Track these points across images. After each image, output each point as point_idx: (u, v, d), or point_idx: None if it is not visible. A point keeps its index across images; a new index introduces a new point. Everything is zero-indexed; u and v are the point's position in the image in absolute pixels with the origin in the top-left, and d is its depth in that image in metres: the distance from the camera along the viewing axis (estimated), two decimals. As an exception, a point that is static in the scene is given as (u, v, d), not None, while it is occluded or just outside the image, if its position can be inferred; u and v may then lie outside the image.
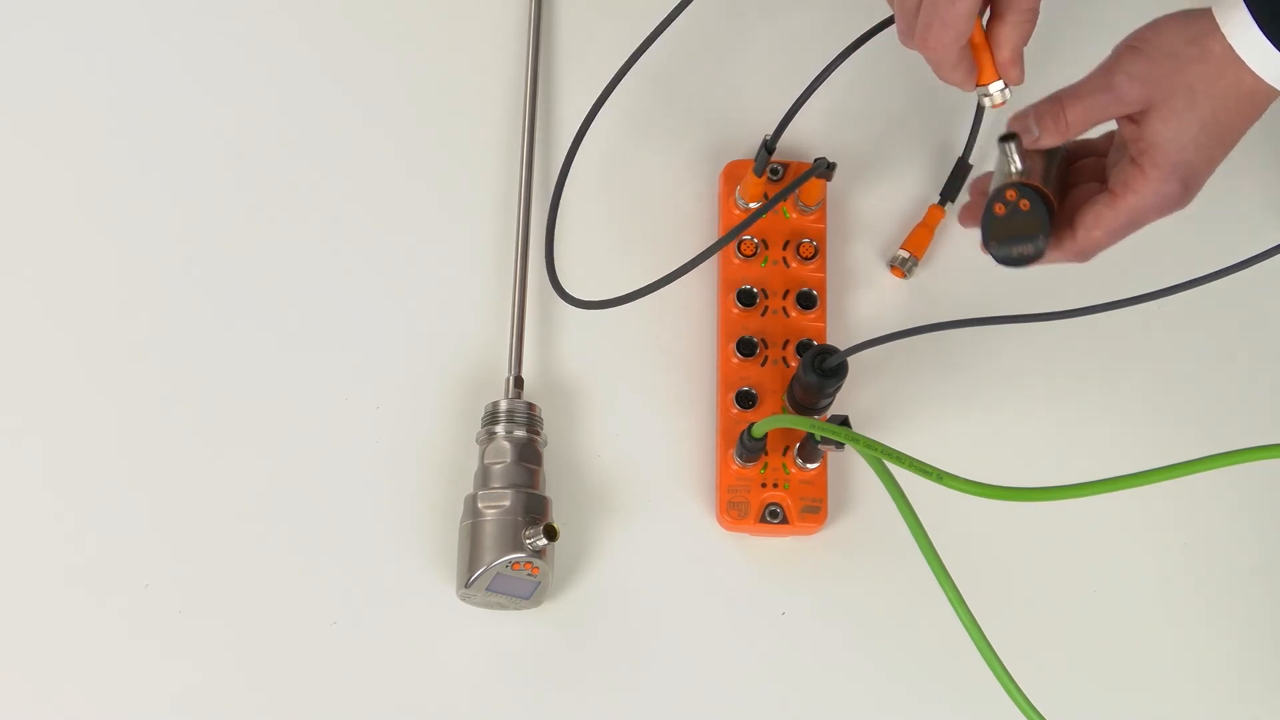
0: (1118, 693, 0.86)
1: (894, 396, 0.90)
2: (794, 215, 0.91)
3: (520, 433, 0.83)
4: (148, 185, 0.91)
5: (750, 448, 0.84)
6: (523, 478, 0.82)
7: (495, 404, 0.84)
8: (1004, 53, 0.75)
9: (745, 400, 0.88)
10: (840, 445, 0.79)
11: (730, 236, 0.85)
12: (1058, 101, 0.74)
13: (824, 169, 0.86)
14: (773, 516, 0.86)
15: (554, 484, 0.87)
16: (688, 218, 0.92)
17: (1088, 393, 0.92)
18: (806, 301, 0.89)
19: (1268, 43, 0.70)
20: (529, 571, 0.80)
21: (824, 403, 0.85)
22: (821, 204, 0.91)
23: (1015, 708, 0.72)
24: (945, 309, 0.91)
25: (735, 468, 0.86)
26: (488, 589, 0.81)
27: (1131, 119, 0.74)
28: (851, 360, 0.83)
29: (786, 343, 0.89)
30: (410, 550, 0.85)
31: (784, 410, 0.87)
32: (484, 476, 0.83)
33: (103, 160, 0.91)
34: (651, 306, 0.90)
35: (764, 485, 0.86)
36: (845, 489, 0.88)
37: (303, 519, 0.85)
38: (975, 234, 0.93)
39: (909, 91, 0.97)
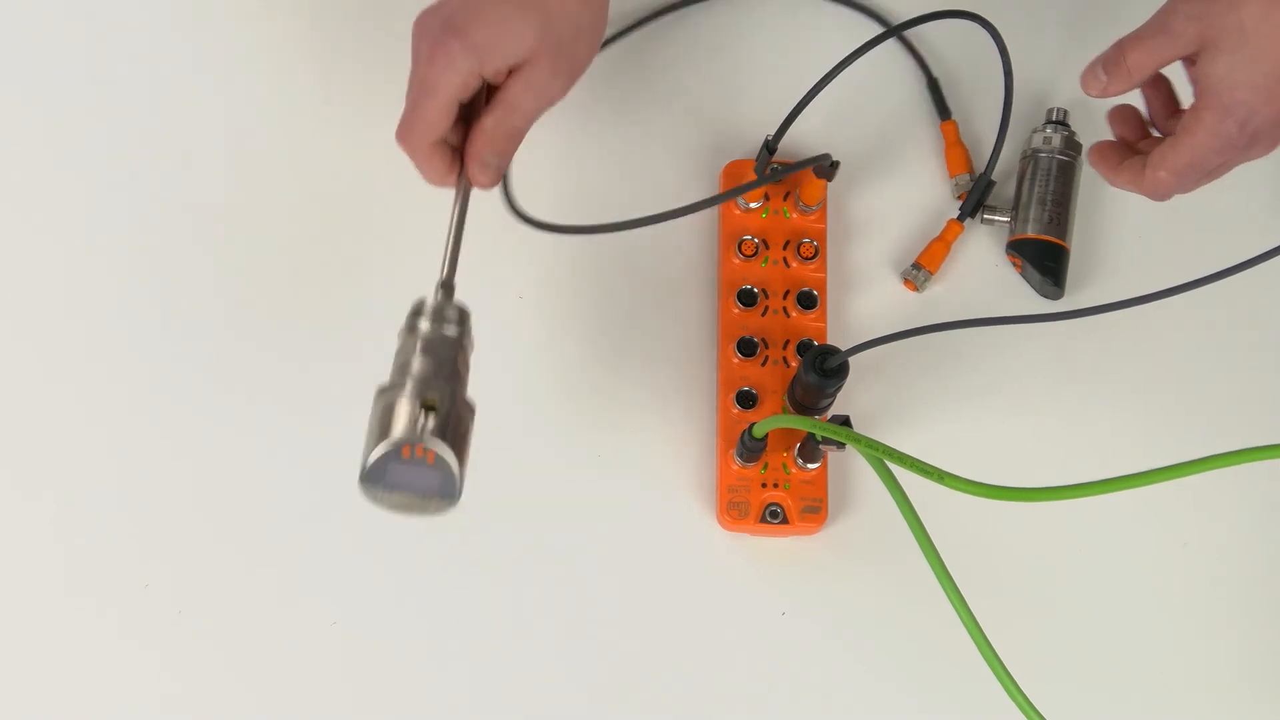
0: (1118, 693, 0.86)
1: (894, 396, 0.90)
2: (794, 215, 0.91)
3: (430, 327, 0.75)
4: (147, 186, 0.91)
5: (751, 448, 0.84)
6: (423, 367, 0.73)
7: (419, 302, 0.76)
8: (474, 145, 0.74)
9: (745, 400, 0.88)
10: (841, 445, 0.79)
11: (726, 196, 0.85)
12: (1119, 48, 0.75)
13: (826, 166, 0.86)
14: (773, 516, 0.86)
15: (555, 483, 0.86)
16: (687, 217, 0.92)
17: (1088, 393, 0.92)
18: (807, 301, 0.89)
19: None
20: (425, 460, 0.72)
21: (825, 403, 0.85)
22: (822, 204, 0.91)
23: (1015, 708, 0.72)
24: (945, 309, 0.91)
25: (735, 468, 0.86)
26: (386, 486, 0.73)
27: (1191, 61, 0.75)
28: (852, 360, 0.83)
29: (787, 343, 0.89)
30: (410, 550, 0.85)
31: (784, 410, 0.87)
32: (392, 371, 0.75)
33: (102, 161, 0.91)
34: (652, 306, 0.90)
35: (764, 485, 0.86)
36: (846, 489, 0.88)
37: (303, 519, 0.85)
38: (982, 242, 0.94)
39: (909, 92, 0.97)
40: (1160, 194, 0.78)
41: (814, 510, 0.86)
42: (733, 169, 0.92)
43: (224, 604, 0.83)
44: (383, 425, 0.71)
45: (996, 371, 0.91)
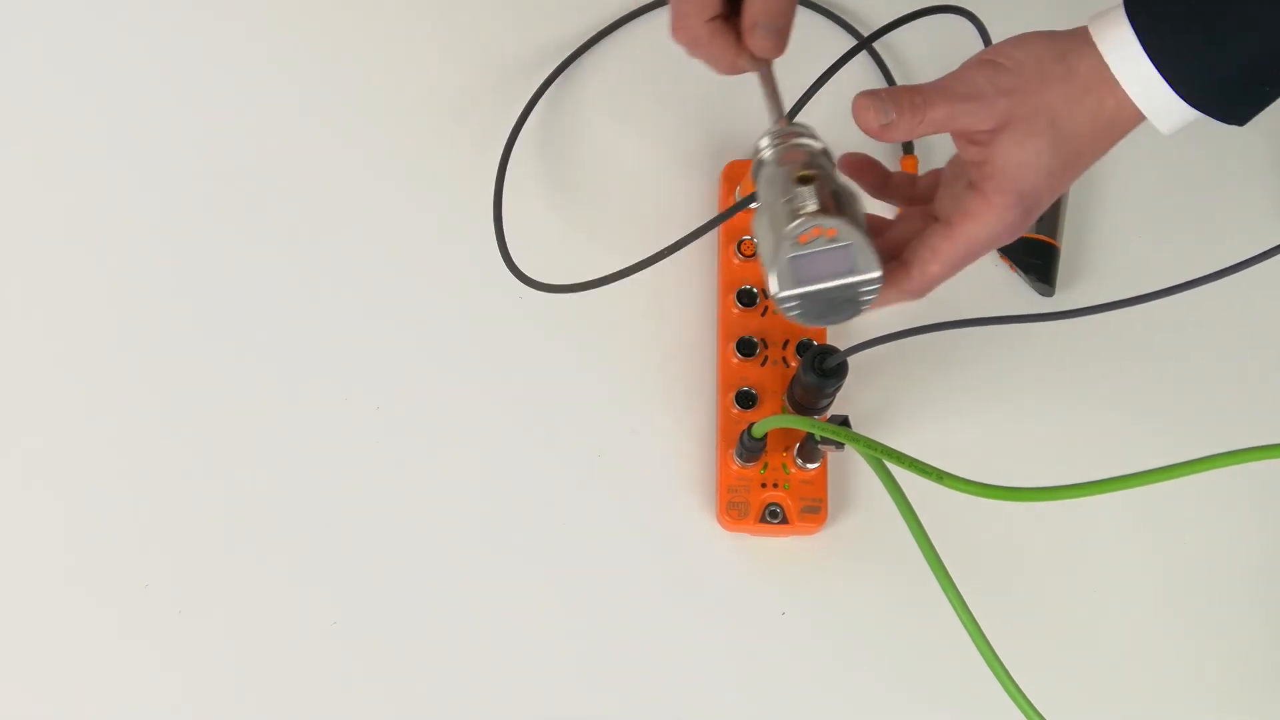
0: (1118, 693, 0.86)
1: (894, 396, 0.90)
2: (794, 215, 0.91)
3: (780, 145, 0.71)
4: (146, 186, 0.91)
5: (750, 448, 0.84)
6: (779, 175, 0.69)
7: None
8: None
9: (745, 400, 0.88)
10: (840, 445, 0.79)
11: (730, 214, 0.85)
12: (920, 94, 0.68)
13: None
14: (773, 516, 0.86)
15: (555, 483, 0.87)
16: (688, 217, 0.92)
17: (1087, 392, 0.92)
18: (806, 301, 0.89)
19: (1148, 62, 0.65)
20: (825, 237, 0.66)
21: (824, 403, 0.85)
22: (821, 204, 0.91)
23: (1015, 708, 0.72)
24: (946, 309, 0.91)
25: (735, 468, 0.86)
26: (799, 286, 0.67)
27: (975, 140, 0.69)
28: (851, 360, 0.83)
29: (786, 343, 0.89)
30: (410, 550, 0.85)
31: (784, 410, 0.87)
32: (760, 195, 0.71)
33: (100, 162, 0.91)
34: (652, 306, 0.90)
35: (764, 485, 0.86)
36: (845, 489, 0.88)
37: (302, 518, 0.85)
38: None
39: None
40: (926, 291, 0.71)
41: (813, 510, 0.86)
42: (732, 169, 0.92)
43: (224, 604, 0.83)
44: (774, 229, 0.67)
45: (996, 371, 0.91)
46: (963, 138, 0.69)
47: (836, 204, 0.67)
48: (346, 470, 0.86)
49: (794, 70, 0.88)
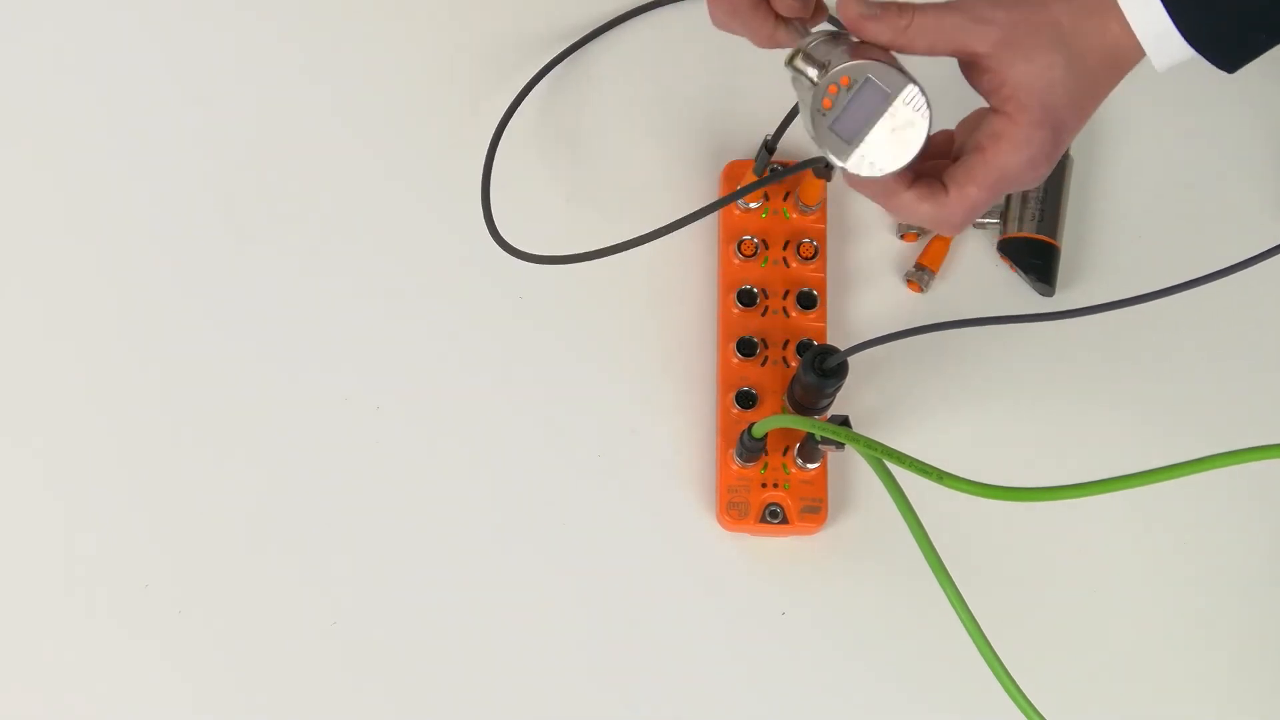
0: (1118, 693, 0.86)
1: (894, 396, 0.90)
2: (794, 215, 0.91)
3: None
4: (146, 186, 0.91)
5: (750, 448, 0.84)
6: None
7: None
8: None
9: (745, 400, 0.88)
10: (840, 445, 0.79)
11: (728, 200, 0.85)
12: (909, 5, 0.67)
13: (823, 168, 0.86)
14: (773, 516, 0.86)
15: (555, 483, 0.87)
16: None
17: (1088, 392, 0.92)
18: (806, 301, 0.89)
19: (1162, 9, 0.65)
20: (843, 89, 0.67)
21: (824, 403, 0.85)
22: (821, 204, 0.91)
23: (1015, 708, 0.72)
24: (946, 309, 0.91)
25: (735, 468, 0.86)
26: (852, 144, 0.67)
27: (983, 65, 0.67)
28: (851, 360, 0.83)
29: (786, 343, 0.89)
30: (410, 550, 0.85)
31: (784, 410, 0.87)
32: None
33: (99, 165, 0.91)
34: (652, 306, 0.90)
35: (764, 485, 0.86)
36: (845, 489, 0.88)
37: (302, 518, 0.85)
38: (980, 241, 0.94)
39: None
40: (968, 218, 0.70)
41: (814, 510, 0.86)
42: (732, 169, 0.92)
43: (224, 604, 0.83)
44: (807, 119, 0.67)
45: (996, 371, 0.91)
46: (968, 65, 0.68)
47: (833, 54, 0.67)
48: (346, 470, 0.86)
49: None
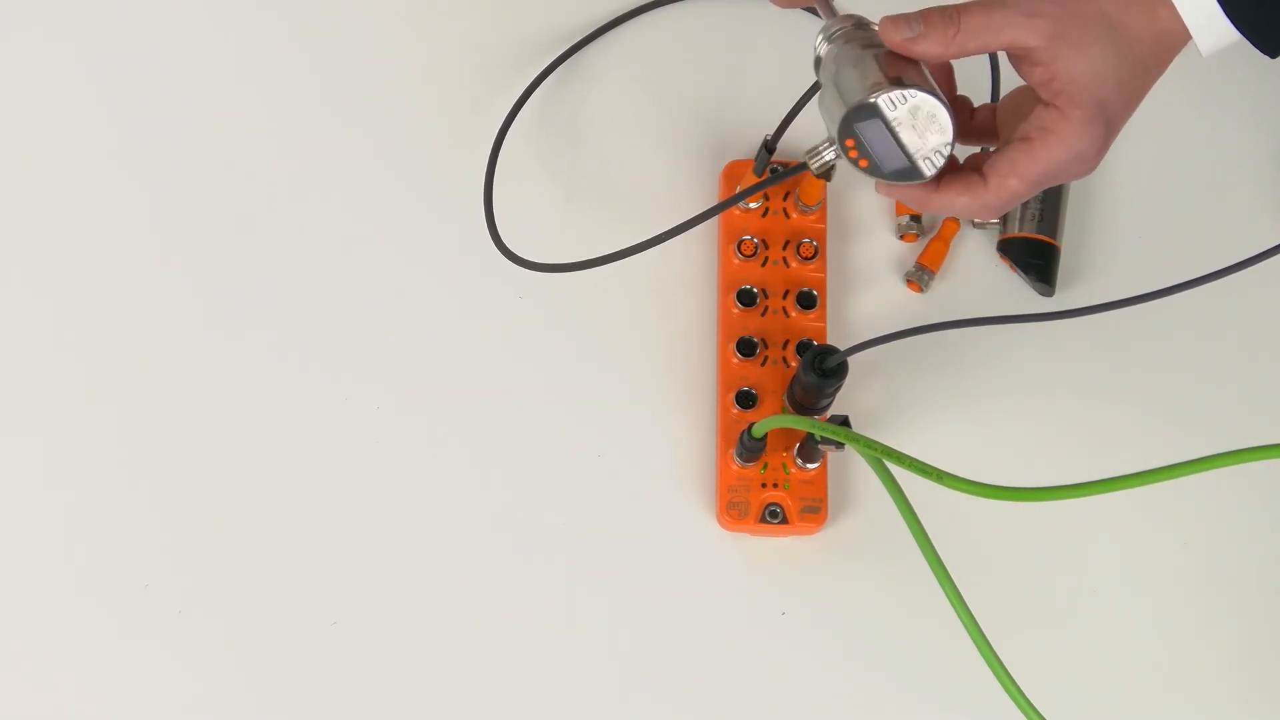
0: (1117, 693, 0.86)
1: (894, 396, 0.90)
2: (794, 215, 0.91)
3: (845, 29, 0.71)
4: (147, 186, 0.91)
5: (750, 448, 0.84)
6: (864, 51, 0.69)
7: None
8: None
9: (745, 400, 0.88)
10: (840, 445, 0.79)
11: (728, 204, 0.86)
12: (953, 7, 0.66)
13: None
14: (773, 516, 0.86)
15: (555, 483, 0.87)
16: (687, 217, 0.92)
17: (1088, 392, 0.92)
18: (806, 301, 0.89)
19: None
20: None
21: (824, 403, 0.85)
22: (821, 204, 0.91)
23: (1015, 708, 0.72)
24: (946, 309, 0.91)
25: (735, 468, 0.86)
26: (888, 175, 0.69)
27: (1034, 59, 0.67)
28: (851, 360, 0.83)
29: (786, 343, 0.89)
30: (410, 550, 0.85)
31: (784, 410, 0.87)
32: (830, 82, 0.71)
33: (101, 164, 0.91)
34: (652, 306, 0.90)
35: (764, 485, 0.86)
36: (845, 489, 0.88)
37: (302, 518, 0.85)
38: (980, 241, 0.94)
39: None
40: (1001, 209, 0.70)
41: (813, 510, 0.86)
42: (732, 169, 0.92)
43: (224, 604, 0.83)
44: (844, 101, 0.68)
45: (996, 371, 0.91)
46: (1019, 58, 0.68)
47: (900, 69, 0.67)
48: (347, 470, 0.86)
49: (791, 72, 0.88)
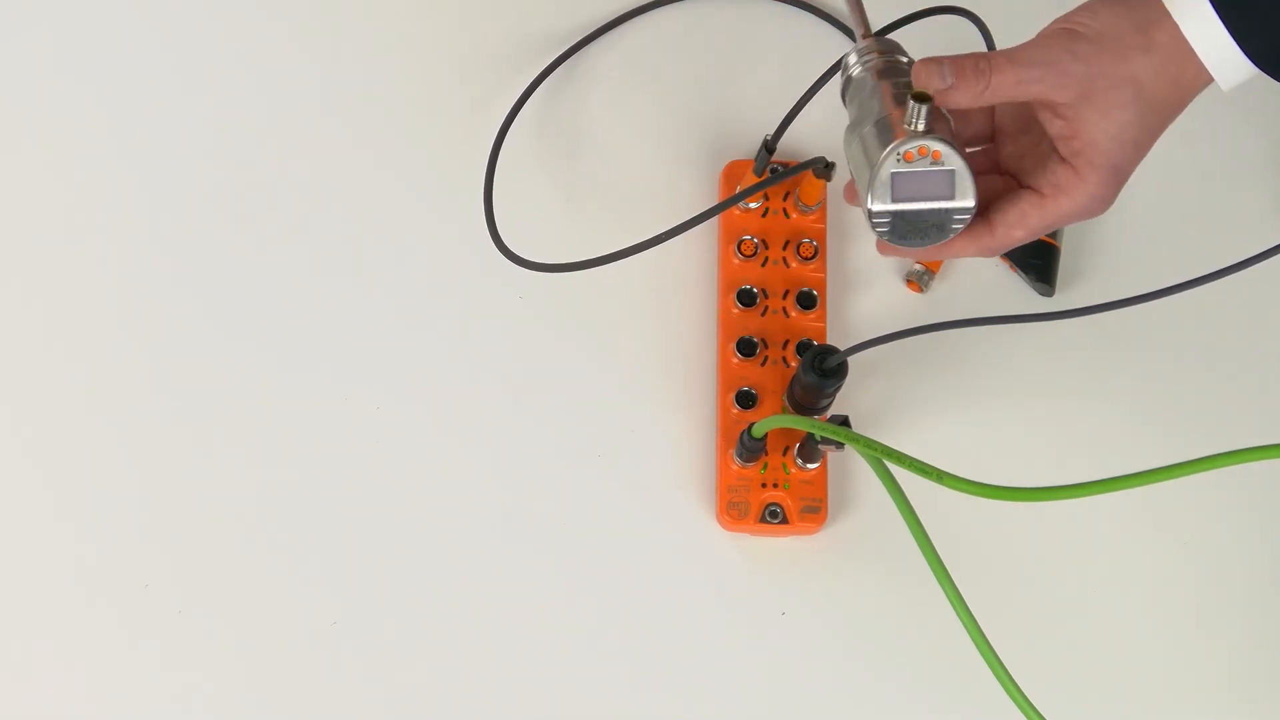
0: (1117, 693, 0.86)
1: (894, 396, 0.90)
2: (794, 215, 0.91)
3: (874, 59, 0.71)
4: (146, 186, 0.91)
5: (750, 448, 0.84)
6: (881, 89, 0.70)
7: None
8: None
9: (745, 400, 0.88)
10: (840, 445, 0.79)
11: (728, 204, 0.86)
12: (985, 59, 0.67)
13: (822, 168, 0.86)
14: (773, 516, 0.86)
15: (555, 483, 0.87)
16: (687, 217, 0.92)
17: (1088, 393, 0.92)
18: (806, 301, 0.89)
19: (1226, 33, 0.66)
20: (931, 159, 0.67)
21: (824, 403, 0.85)
22: (821, 204, 0.91)
23: (1015, 708, 0.72)
24: (945, 309, 0.91)
25: (735, 468, 0.86)
26: (896, 203, 0.68)
27: (1058, 113, 0.68)
28: (851, 360, 0.83)
29: (786, 343, 0.89)
30: (410, 550, 0.85)
31: (784, 410, 0.87)
32: (854, 111, 0.71)
33: (100, 164, 0.91)
34: (652, 306, 0.90)
35: (764, 485, 0.86)
36: (845, 489, 0.88)
37: (302, 518, 0.85)
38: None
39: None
40: (999, 253, 0.72)
41: (813, 510, 0.86)
42: (732, 169, 0.92)
43: (224, 603, 0.83)
44: (879, 141, 0.67)
45: (996, 371, 0.91)
46: (1045, 109, 0.69)
47: (944, 127, 0.67)
48: (346, 470, 0.86)
49: (791, 72, 0.89)
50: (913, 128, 0.67)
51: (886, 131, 0.68)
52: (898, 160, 0.67)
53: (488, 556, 0.85)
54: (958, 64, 0.67)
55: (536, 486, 0.87)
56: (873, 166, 0.68)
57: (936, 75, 0.67)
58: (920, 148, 0.67)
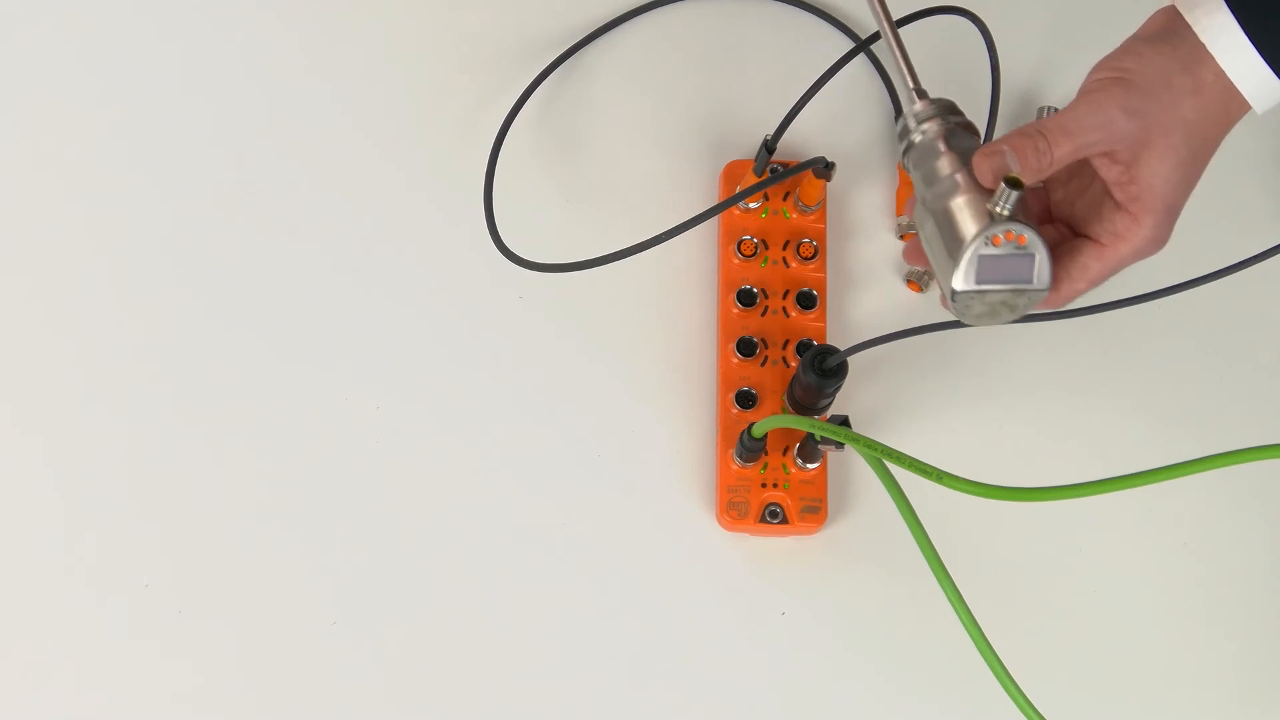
0: (1117, 693, 0.86)
1: (894, 396, 0.90)
2: (794, 215, 0.91)
3: (936, 125, 0.70)
4: (147, 186, 0.91)
5: (750, 448, 0.84)
6: (962, 158, 0.69)
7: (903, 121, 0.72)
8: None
9: (745, 400, 0.88)
10: (840, 445, 0.79)
11: (728, 204, 0.86)
12: (1040, 136, 0.67)
13: (823, 168, 0.86)
14: (773, 516, 0.86)
15: (555, 483, 0.87)
16: (687, 217, 0.92)
17: (1088, 393, 0.92)
18: (806, 301, 0.89)
19: (1268, 68, 0.66)
20: (1016, 243, 0.67)
21: (824, 403, 0.85)
22: (821, 204, 0.91)
23: (1015, 708, 0.72)
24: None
25: (735, 468, 0.86)
26: (980, 284, 0.68)
27: (1115, 159, 0.68)
28: (851, 360, 0.83)
29: (786, 343, 0.89)
30: (410, 550, 0.85)
31: (784, 410, 0.87)
32: (923, 181, 0.70)
33: (101, 164, 0.91)
34: (652, 306, 0.90)
35: (764, 485, 0.86)
36: (845, 489, 0.88)
37: (303, 518, 0.85)
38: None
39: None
40: (1061, 307, 0.73)
41: (813, 510, 0.86)
42: (732, 169, 0.92)
43: (224, 603, 0.83)
44: (970, 220, 0.67)
45: (996, 371, 0.91)
46: (1100, 157, 0.69)
47: (1025, 209, 0.68)
48: (347, 470, 0.86)
49: (791, 72, 0.89)
50: (1000, 211, 0.67)
51: (974, 213, 0.68)
52: (985, 243, 0.67)
53: (487, 556, 0.85)
54: (1018, 149, 0.67)
55: (536, 486, 0.87)
56: (960, 248, 0.67)
57: (1002, 165, 0.67)
58: (1008, 232, 0.67)
